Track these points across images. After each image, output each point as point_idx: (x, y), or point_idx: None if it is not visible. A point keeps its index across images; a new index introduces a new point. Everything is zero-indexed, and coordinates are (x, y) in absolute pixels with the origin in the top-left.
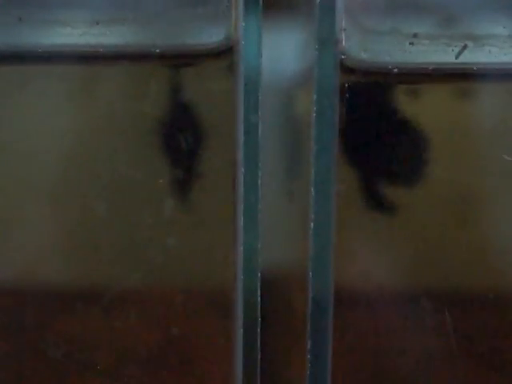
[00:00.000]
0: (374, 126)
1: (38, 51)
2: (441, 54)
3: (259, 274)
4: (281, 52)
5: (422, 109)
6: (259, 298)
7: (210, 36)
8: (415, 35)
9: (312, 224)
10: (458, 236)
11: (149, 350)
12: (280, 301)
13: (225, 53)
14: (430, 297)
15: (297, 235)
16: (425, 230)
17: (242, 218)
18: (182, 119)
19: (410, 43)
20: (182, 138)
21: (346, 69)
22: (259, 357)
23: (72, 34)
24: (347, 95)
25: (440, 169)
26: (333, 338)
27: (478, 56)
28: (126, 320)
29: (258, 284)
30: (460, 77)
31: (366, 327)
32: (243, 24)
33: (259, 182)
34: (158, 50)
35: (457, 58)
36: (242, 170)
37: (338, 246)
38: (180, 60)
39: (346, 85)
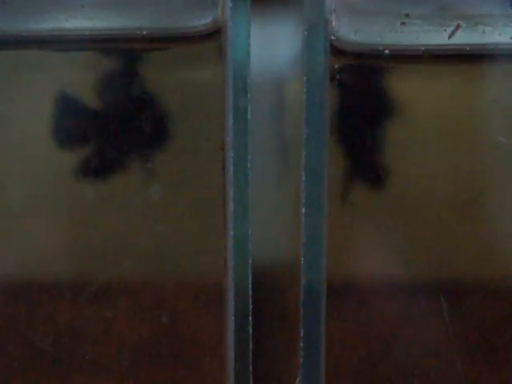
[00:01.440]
0: (366, 108)
1: (22, 35)
2: (433, 35)
3: (250, 261)
4: (270, 35)
5: (414, 91)
6: (251, 286)
7: (198, 18)
8: (407, 15)
9: (303, 209)
10: (453, 222)
11: (138, 339)
12: (272, 289)
13: (212, 35)
14: (423, 284)
15: (288, 221)
16: (420, 216)
17: (232, 204)
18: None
19: (401, 23)
20: (169, 122)
21: (337, 51)
22: (251, 346)
23: (57, 17)
24: (338, 78)
25: (433, 151)
26: (325, 327)
27: (471, 36)
28: (115, 309)
29: (250, 271)
30: (453, 58)
31: (359, 315)
32: (231, 5)
33: (249, 166)
34: (145, 33)
35: (449, 38)
36: (232, 154)
37: (330, 231)
38: (167, 42)
39: (337, 67)
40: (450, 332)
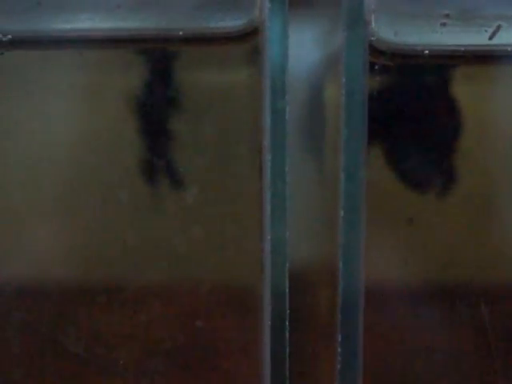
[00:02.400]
0: (405, 109)
1: (57, 36)
2: (473, 36)
3: (287, 266)
4: (308, 36)
5: (455, 92)
6: (287, 290)
7: (235, 18)
8: (447, 16)
9: (342, 212)
10: (491, 229)
11: (173, 345)
12: (309, 293)
13: (250, 35)
14: (462, 292)
15: (326, 224)
16: (462, 221)
17: (269, 207)
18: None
19: (441, 24)
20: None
21: (376, 51)
22: (288, 351)
23: (93, 18)
24: (377, 78)
25: (471, 156)
26: (363, 331)
27: None
28: (150, 314)
29: (287, 275)
30: (494, 59)
31: (397, 322)
32: (268, 6)
33: (286, 169)
34: (181, 33)
35: (490, 39)
36: (269, 156)
37: (369, 235)
38: (204, 43)
39: (376, 67)
40: (489, 339)
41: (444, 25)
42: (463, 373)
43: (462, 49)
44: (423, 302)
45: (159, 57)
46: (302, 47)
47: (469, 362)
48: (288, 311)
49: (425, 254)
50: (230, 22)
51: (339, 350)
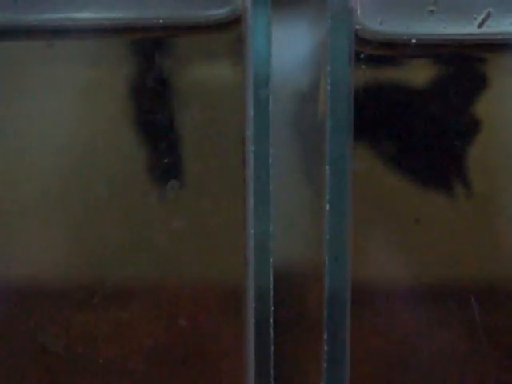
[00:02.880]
0: (391, 99)
1: (34, 25)
2: (462, 23)
3: (271, 261)
4: (291, 24)
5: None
6: (271, 287)
7: (217, 7)
8: (435, 3)
9: (327, 206)
10: (481, 224)
11: (155, 342)
12: (294, 289)
13: (232, 24)
14: (450, 291)
15: (312, 217)
16: (449, 217)
17: (253, 200)
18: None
19: (429, 11)
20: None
21: (361, 40)
22: (272, 349)
23: (71, 7)
24: (362, 68)
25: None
26: (350, 332)
27: (502, 25)
28: (131, 311)
29: (271, 271)
30: (483, 47)
31: (385, 320)
32: None
33: (270, 160)
34: (161, 21)
35: (480, 26)
36: (252, 147)
37: (356, 229)
38: (185, 32)
39: (362, 56)
40: (481, 339)
41: (432, 12)
42: (457, 373)
43: (451, 37)
44: (414, 299)
45: (140, 47)
46: (286, 37)
47: (461, 361)
48: (272, 308)
49: (412, 250)
50: (213, 11)
51: (325, 347)
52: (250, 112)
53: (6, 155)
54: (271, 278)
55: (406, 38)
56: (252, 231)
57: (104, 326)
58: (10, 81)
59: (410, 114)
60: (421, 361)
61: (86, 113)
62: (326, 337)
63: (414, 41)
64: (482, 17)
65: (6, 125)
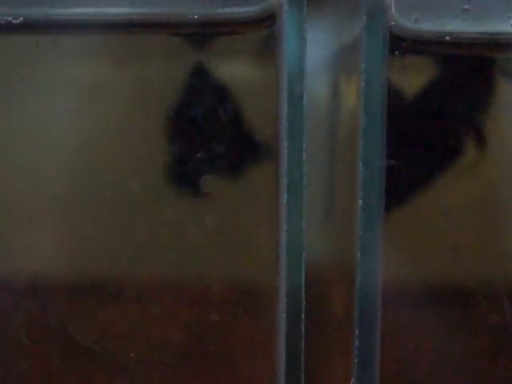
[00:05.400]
0: (424, 97)
1: (68, 20)
2: (496, 22)
3: (304, 256)
4: (326, 20)
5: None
6: (303, 283)
7: (252, 3)
8: (469, 1)
9: (360, 202)
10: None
11: (185, 339)
12: (324, 287)
13: (267, 20)
14: (482, 292)
15: (344, 214)
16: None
17: (286, 197)
18: (221, 90)
19: (463, 10)
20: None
21: (396, 37)
22: (303, 345)
23: (106, 1)
24: (396, 65)
25: (495, 143)
26: (381, 326)
27: None
28: (162, 307)
29: (303, 268)
30: None
31: (416, 314)
32: None
33: (304, 156)
34: (196, 17)
35: None
36: (286, 144)
37: (388, 225)
38: (220, 28)
39: (396, 54)
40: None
41: (466, 10)
42: (481, 373)
43: (485, 36)
44: (442, 300)
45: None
46: (321, 33)
47: (487, 362)
48: (304, 304)
49: (444, 249)
50: (248, 7)
51: (356, 343)
52: (284, 108)
53: (21, 151)
54: (303, 275)
55: (439, 35)
56: (285, 227)
57: (134, 320)
58: (24, 76)
59: (443, 112)
60: (451, 360)
61: (122, 107)
62: (357, 333)
63: (447, 38)
64: None
65: (15, 122)
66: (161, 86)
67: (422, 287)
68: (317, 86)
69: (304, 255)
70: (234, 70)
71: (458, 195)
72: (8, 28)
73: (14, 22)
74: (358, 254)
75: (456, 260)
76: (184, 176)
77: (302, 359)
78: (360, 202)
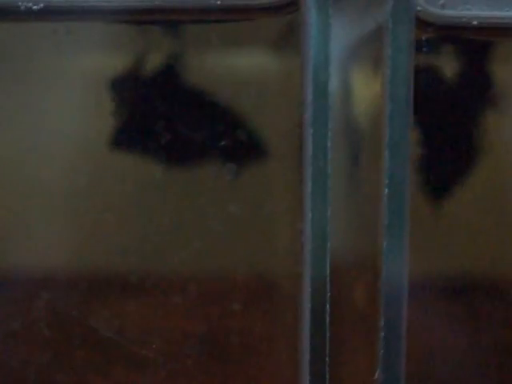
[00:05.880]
0: (452, 83)
1: (88, 5)
2: None
3: (329, 245)
4: (351, 7)
5: (506, 67)
6: (328, 272)
7: None
8: None
9: (386, 190)
10: None
11: (208, 330)
12: (348, 279)
13: (290, 5)
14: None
15: (368, 203)
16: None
17: (310, 185)
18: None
19: None
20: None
21: (422, 22)
22: (328, 336)
23: None
24: (424, 51)
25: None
26: (407, 317)
27: None
28: (183, 298)
29: (328, 257)
30: None
31: (441, 305)
32: None
33: (329, 144)
34: (219, 2)
35: None
36: (311, 131)
37: (413, 216)
38: (243, 14)
39: (423, 39)
40: None
41: None
42: (501, 369)
43: None
44: (469, 293)
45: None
46: (346, 19)
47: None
48: (329, 294)
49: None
50: None
51: (382, 335)
52: (309, 95)
53: (37, 141)
54: (328, 264)
55: (467, 20)
56: (310, 216)
57: (156, 312)
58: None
59: (471, 98)
60: (476, 353)
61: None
62: (382, 324)
63: (475, 23)
64: None
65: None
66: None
67: (448, 278)
68: (340, 74)
69: (329, 245)
70: (257, 56)
71: (485, 186)
72: (27, 14)
73: (34, 7)
74: (384, 243)
75: (484, 252)
76: (208, 164)
77: (327, 350)
78: (386, 190)
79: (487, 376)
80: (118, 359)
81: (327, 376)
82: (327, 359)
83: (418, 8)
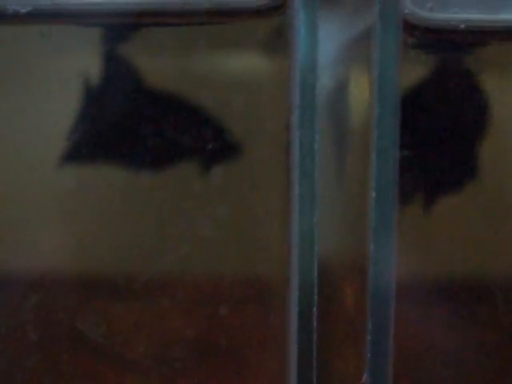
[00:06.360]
0: (440, 86)
1: (77, 9)
2: None
3: (316, 249)
4: (338, 9)
5: (493, 70)
6: (316, 275)
7: None
8: None
9: (373, 193)
10: None
11: (196, 333)
12: (336, 281)
13: (278, 8)
14: (501, 287)
15: (355, 205)
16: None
17: (298, 187)
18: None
19: None
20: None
21: (410, 25)
22: (315, 339)
23: None
24: (411, 53)
25: (508, 136)
26: (394, 319)
27: None
28: (171, 301)
29: (315, 260)
30: None
31: (429, 307)
32: None
33: (316, 146)
34: (207, 5)
35: None
36: (298, 133)
37: (401, 218)
38: (231, 17)
39: (410, 42)
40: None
41: None
42: (488, 369)
43: (500, 24)
44: (456, 294)
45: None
46: (333, 22)
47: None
48: (316, 297)
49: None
50: None
51: (369, 338)
52: (296, 98)
53: (30, 144)
54: (316, 267)
55: (454, 23)
56: (297, 219)
57: (144, 315)
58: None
59: (459, 101)
60: (464, 355)
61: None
62: (370, 327)
63: (462, 26)
64: None
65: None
66: (169, 75)
67: (435, 281)
68: (327, 77)
69: (316, 247)
70: (244, 60)
71: (473, 187)
72: (15, 17)
73: (21, 11)
74: (371, 246)
75: (471, 253)
76: (195, 168)
77: (314, 353)
78: (373, 193)
79: (475, 377)
80: (106, 362)
81: (314, 379)
82: (314, 362)
83: (406, 11)
